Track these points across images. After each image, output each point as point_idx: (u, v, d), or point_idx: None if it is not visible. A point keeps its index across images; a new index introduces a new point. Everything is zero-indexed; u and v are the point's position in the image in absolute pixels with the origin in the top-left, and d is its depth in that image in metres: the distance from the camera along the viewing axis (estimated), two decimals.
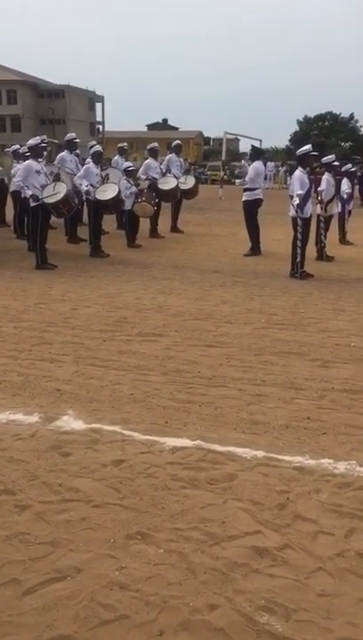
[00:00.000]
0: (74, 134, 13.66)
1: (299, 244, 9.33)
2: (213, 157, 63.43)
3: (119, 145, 15.95)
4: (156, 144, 14.42)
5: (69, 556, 2.75)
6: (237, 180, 11.76)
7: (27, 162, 10.08)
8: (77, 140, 13.31)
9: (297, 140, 61.76)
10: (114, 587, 2.55)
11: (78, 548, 2.80)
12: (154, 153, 14.15)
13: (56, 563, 2.70)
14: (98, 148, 11.93)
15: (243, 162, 12.46)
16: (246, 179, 11.93)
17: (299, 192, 9.18)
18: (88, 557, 2.74)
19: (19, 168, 10.97)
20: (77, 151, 13.55)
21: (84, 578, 2.61)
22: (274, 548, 2.81)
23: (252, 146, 13.39)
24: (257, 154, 12.06)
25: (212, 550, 2.80)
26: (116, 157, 15.56)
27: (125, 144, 16.14)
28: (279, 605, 2.45)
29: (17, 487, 3.32)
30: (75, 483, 3.36)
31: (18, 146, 14.41)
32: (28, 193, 9.82)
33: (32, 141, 10.23)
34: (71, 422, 4.13)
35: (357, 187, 20.17)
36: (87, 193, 11.00)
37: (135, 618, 2.39)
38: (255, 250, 11.66)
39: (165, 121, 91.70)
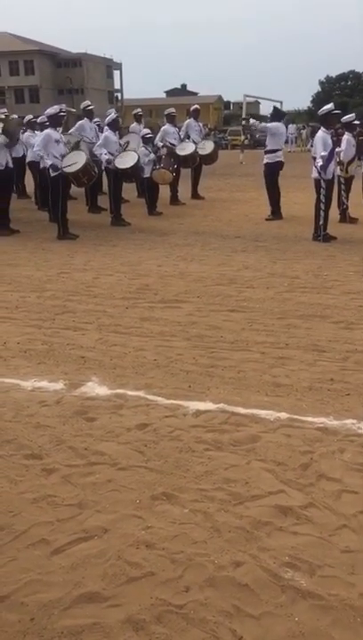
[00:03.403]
0: (88, 102, 13.49)
1: (322, 206, 9.17)
2: (234, 122, 62.34)
3: (134, 112, 15.75)
4: (173, 109, 14.21)
5: (96, 517, 2.80)
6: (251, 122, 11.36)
7: (45, 131, 10.03)
8: (92, 107, 13.14)
9: (319, 101, 60.32)
10: (140, 545, 2.60)
11: (105, 509, 2.85)
12: (171, 119, 13.95)
13: (83, 523, 2.76)
14: (114, 115, 11.78)
15: (252, 121, 12.09)
16: (263, 127, 11.68)
17: (322, 153, 8.98)
18: (114, 518, 2.79)
19: (33, 138, 10.90)
20: (97, 119, 13.41)
21: (110, 537, 2.66)
22: (298, 507, 2.83)
23: (273, 107, 13.10)
24: (278, 115, 11.80)
25: (236, 510, 2.83)
26: (133, 124, 15.39)
27: (140, 110, 15.92)
28: (304, 562, 2.48)
29: (43, 452, 3.38)
30: (100, 446, 3.41)
31: (31, 116, 14.33)
32: (48, 162, 9.78)
33: (51, 110, 10.16)
34: (96, 388, 4.17)
35: None
36: (108, 162, 10.91)
37: (162, 575, 2.43)
38: (277, 214, 11.51)
39: (183, 86, 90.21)
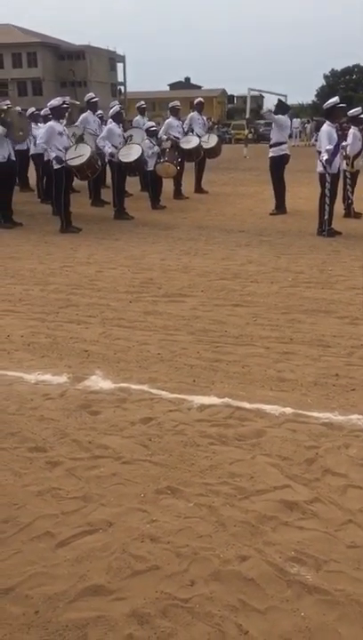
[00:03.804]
0: (93, 94, 13.45)
1: (327, 200, 9.13)
2: (238, 116, 62.14)
3: (138, 105, 15.67)
4: (177, 102, 14.16)
5: (101, 510, 2.79)
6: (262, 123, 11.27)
7: (49, 123, 9.99)
8: (96, 99, 13.09)
9: (324, 94, 60.04)
10: (145, 539, 2.59)
11: (109, 503, 2.85)
12: (175, 112, 13.88)
13: (88, 516, 2.75)
14: (118, 107, 11.72)
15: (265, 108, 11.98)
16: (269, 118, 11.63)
17: (327, 147, 8.93)
18: (119, 511, 2.78)
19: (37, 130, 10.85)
20: (100, 112, 13.36)
21: (115, 531, 2.65)
22: (303, 502, 2.82)
23: (278, 100, 13.03)
24: (282, 109, 11.73)
25: (241, 504, 2.82)
26: (137, 117, 15.33)
27: (143, 102, 15.84)
28: (309, 557, 2.47)
29: (48, 445, 3.37)
30: (104, 440, 3.40)
31: (34, 109, 14.27)
32: (52, 155, 9.75)
33: (54, 102, 10.12)
34: (99, 382, 4.16)
35: None
36: (111, 155, 10.87)
37: (166, 568, 2.43)
38: (281, 208, 11.46)
39: (187, 80, 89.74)
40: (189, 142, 13.40)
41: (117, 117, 11.29)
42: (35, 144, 12.41)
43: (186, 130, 13.74)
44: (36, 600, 2.29)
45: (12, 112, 10.32)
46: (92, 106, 12.93)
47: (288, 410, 3.71)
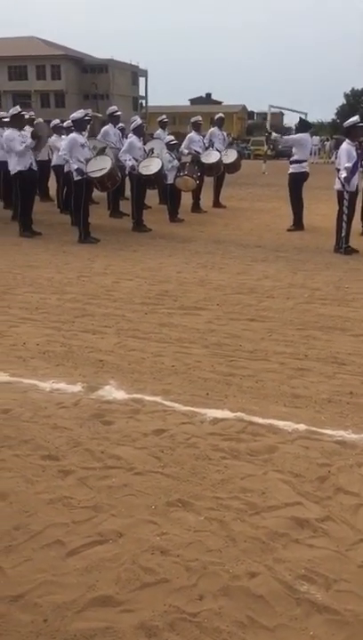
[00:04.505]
0: (115, 107, 13.59)
1: (344, 218, 9.13)
2: (257, 132, 62.36)
3: (159, 119, 15.80)
4: (199, 117, 14.24)
5: (111, 521, 2.79)
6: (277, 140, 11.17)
7: (71, 135, 10.10)
8: (119, 113, 13.24)
9: (344, 113, 60.20)
10: (155, 551, 2.59)
11: (120, 513, 2.85)
12: (197, 126, 13.98)
13: (98, 526, 2.76)
14: (139, 121, 11.84)
15: (274, 135, 11.93)
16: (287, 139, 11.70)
17: (346, 165, 8.95)
18: (130, 522, 2.78)
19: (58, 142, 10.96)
20: (121, 125, 13.50)
21: (125, 542, 2.65)
22: (315, 520, 2.80)
23: (300, 118, 13.09)
24: (304, 126, 11.79)
25: (252, 519, 2.81)
26: (158, 131, 15.44)
27: (165, 116, 15.96)
28: (320, 575, 2.45)
29: (60, 453, 3.38)
30: (116, 450, 3.41)
31: (58, 121, 14.44)
32: (74, 167, 9.85)
33: (76, 114, 10.23)
34: (113, 392, 4.18)
35: None
36: (132, 168, 10.96)
37: (176, 582, 2.42)
38: (298, 225, 11.48)
39: (208, 95, 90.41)
40: (210, 157, 13.48)
41: (138, 131, 11.40)
42: (56, 155, 12.56)
43: (206, 145, 13.82)
44: (45, 608, 2.29)
45: (42, 125, 10.47)
46: (114, 119, 13.06)
47: (301, 426, 3.69)
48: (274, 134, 13.09)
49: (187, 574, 2.46)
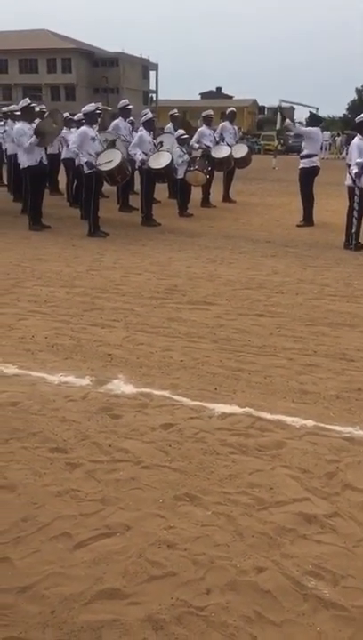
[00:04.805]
0: (127, 101, 13.54)
1: (355, 214, 9.08)
2: (268, 127, 62.06)
3: (171, 112, 15.74)
4: (211, 111, 14.19)
5: (119, 514, 2.80)
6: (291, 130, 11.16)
7: (82, 128, 10.09)
8: (130, 107, 13.21)
9: (355, 108, 59.82)
10: (162, 545, 2.60)
11: (128, 507, 2.85)
12: (208, 121, 13.93)
13: (106, 519, 2.76)
14: (150, 115, 11.80)
15: (288, 121, 11.87)
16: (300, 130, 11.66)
17: (358, 160, 8.88)
18: (137, 516, 2.78)
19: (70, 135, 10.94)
20: (131, 118, 13.47)
21: (133, 535, 2.66)
22: (322, 516, 2.80)
23: (310, 112, 13.01)
24: (315, 121, 11.73)
25: (259, 515, 2.80)
26: (168, 125, 15.40)
27: (176, 110, 15.90)
28: (327, 571, 2.45)
29: (68, 446, 3.39)
30: (124, 444, 3.41)
31: (68, 114, 14.43)
32: (84, 160, 9.84)
33: (88, 108, 10.22)
34: (121, 386, 4.18)
35: None
36: (142, 162, 10.93)
37: (183, 575, 2.42)
38: (308, 220, 11.43)
39: (218, 89, 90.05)
40: (221, 151, 13.44)
41: (149, 125, 11.36)
42: (66, 148, 12.56)
43: (217, 139, 13.77)
44: (53, 600, 2.30)
45: (48, 122, 10.44)
46: (124, 112, 13.03)
47: (310, 422, 3.68)
48: (287, 120, 13.02)
49: (194, 568, 2.47)
